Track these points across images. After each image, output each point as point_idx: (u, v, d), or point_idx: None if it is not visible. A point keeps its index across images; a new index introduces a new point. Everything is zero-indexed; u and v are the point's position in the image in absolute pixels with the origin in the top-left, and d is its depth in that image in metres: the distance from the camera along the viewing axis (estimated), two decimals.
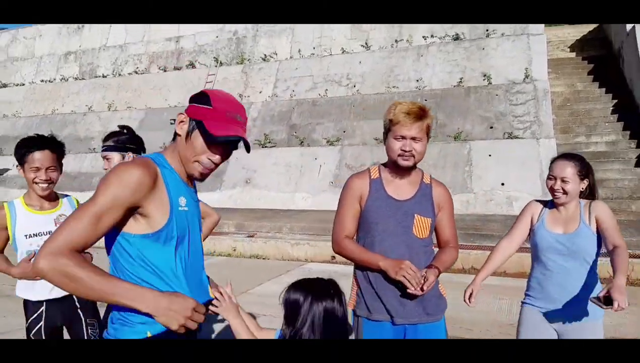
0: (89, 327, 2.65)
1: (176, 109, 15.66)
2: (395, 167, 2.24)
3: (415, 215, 2.21)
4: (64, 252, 1.38)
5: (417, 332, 2.19)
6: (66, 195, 2.73)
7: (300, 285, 1.78)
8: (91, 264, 1.41)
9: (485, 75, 12.62)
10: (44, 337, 2.51)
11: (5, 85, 20.40)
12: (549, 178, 2.52)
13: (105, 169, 2.90)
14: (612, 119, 11.56)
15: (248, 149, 1.70)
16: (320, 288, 1.77)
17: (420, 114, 2.13)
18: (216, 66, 16.35)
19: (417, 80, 13.33)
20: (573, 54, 14.65)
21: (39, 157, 2.42)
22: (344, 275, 6.79)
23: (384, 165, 2.34)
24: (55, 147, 2.50)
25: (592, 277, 2.47)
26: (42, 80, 19.73)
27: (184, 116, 1.63)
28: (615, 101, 11.88)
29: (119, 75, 18.27)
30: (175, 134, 1.67)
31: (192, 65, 17.04)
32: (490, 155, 10.77)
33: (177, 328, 1.42)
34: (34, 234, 2.48)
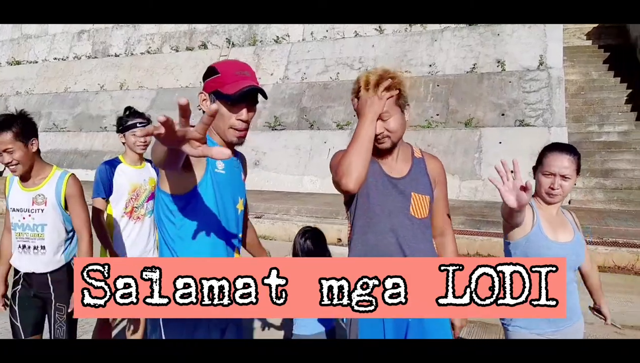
0: (56, 312, 2.64)
1: (187, 89, 15.69)
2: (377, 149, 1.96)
3: (412, 193, 1.98)
4: None
5: (422, 326, 1.91)
6: (63, 172, 2.66)
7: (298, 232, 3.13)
8: None
9: (499, 62, 12.50)
10: (16, 302, 2.63)
11: (18, 63, 20.52)
12: (544, 174, 2.14)
13: (146, 143, 3.17)
14: (625, 109, 11.43)
15: (265, 96, 1.75)
16: (304, 231, 3.13)
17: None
18: (228, 47, 16.33)
19: (430, 65, 13.23)
20: (589, 42, 14.42)
21: None
22: None
23: None
24: (7, 127, 2.40)
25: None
26: (55, 58, 19.82)
27: (204, 94, 1.76)
28: (630, 91, 11.73)
29: (132, 54, 18.30)
30: (204, 113, 1.75)
31: (204, 45, 17.03)
32: (500, 143, 10.72)
33: None
34: (16, 209, 2.57)
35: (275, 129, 13.37)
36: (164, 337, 1.69)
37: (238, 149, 1.99)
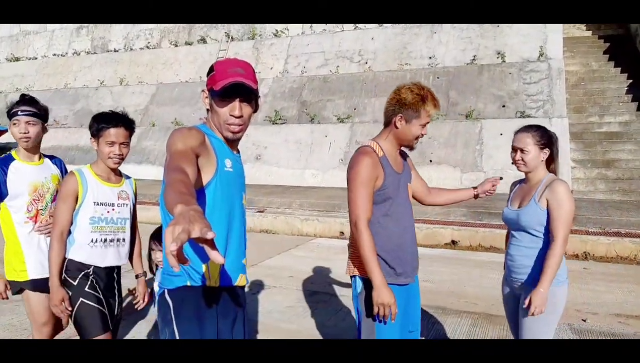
0: (118, 307, 2.73)
1: (187, 84, 15.67)
2: (398, 146, 2.43)
3: (407, 184, 2.50)
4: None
5: (411, 289, 2.50)
6: (127, 176, 2.84)
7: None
8: (184, 183, 1.42)
9: (499, 53, 12.46)
10: (99, 290, 2.57)
11: (17, 59, 20.48)
12: (512, 150, 2.62)
13: (26, 134, 2.75)
14: (626, 99, 11.41)
15: (252, 91, 1.79)
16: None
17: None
18: (227, 41, 16.28)
19: (430, 58, 13.20)
20: (589, 33, 14.37)
21: (115, 133, 2.55)
22: None
23: (378, 140, 2.44)
24: (128, 124, 2.63)
25: (544, 246, 2.48)
26: (54, 54, 19.78)
27: (205, 91, 1.85)
28: (630, 81, 11.70)
29: (131, 49, 18.26)
30: (207, 110, 1.88)
31: (203, 40, 16.98)
32: (501, 134, 10.71)
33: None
34: (100, 203, 2.61)
35: (276, 123, 13.35)
36: (176, 330, 1.75)
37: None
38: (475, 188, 2.83)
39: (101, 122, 2.57)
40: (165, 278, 1.85)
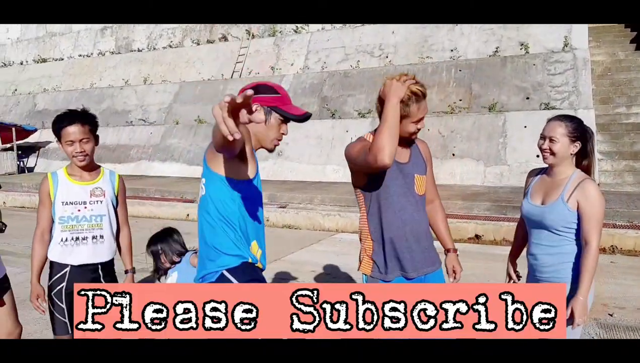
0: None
1: (209, 82, 15.80)
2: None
3: (415, 175, 2.39)
4: None
5: (426, 282, 2.43)
6: (111, 171, 2.85)
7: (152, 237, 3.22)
8: None
9: (522, 44, 12.27)
10: (63, 298, 2.64)
11: (44, 60, 20.95)
12: (540, 138, 2.46)
13: None
14: None
15: (304, 120, 2.11)
16: (160, 234, 3.22)
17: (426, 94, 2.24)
18: (248, 39, 16.37)
19: (452, 50, 13.06)
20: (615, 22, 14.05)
21: (72, 131, 2.56)
22: None
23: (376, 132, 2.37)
24: (85, 119, 2.61)
25: (567, 244, 2.39)
26: (79, 55, 20.17)
27: (256, 105, 1.94)
28: None
29: (154, 49, 18.51)
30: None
31: (224, 38, 17.10)
32: (525, 127, 10.55)
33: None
34: (69, 202, 2.64)
35: None
36: None
37: None
38: (455, 250, 2.65)
39: (57, 123, 2.59)
40: (221, 257, 1.91)
